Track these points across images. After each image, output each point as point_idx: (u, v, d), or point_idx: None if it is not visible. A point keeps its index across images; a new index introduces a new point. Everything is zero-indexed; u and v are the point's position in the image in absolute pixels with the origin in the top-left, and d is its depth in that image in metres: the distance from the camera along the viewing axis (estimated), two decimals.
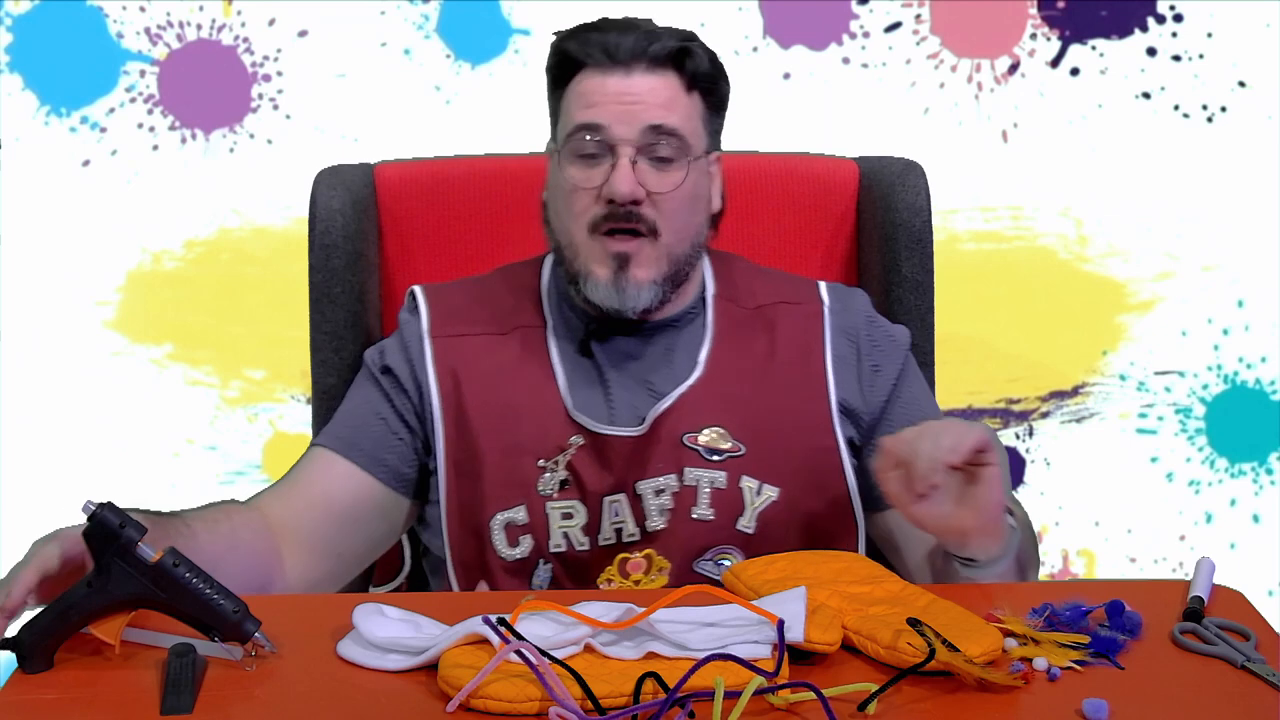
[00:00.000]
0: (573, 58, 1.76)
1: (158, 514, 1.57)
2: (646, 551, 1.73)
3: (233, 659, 1.37)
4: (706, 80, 1.78)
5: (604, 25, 1.77)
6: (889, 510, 1.79)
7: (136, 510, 1.47)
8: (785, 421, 1.77)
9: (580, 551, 1.73)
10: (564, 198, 1.75)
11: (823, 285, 1.86)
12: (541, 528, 1.73)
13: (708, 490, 1.74)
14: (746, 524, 1.74)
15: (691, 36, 1.78)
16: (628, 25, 1.76)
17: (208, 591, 1.38)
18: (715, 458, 1.75)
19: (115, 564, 1.37)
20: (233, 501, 1.74)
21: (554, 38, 1.80)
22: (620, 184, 1.71)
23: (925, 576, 1.73)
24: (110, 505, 1.39)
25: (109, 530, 1.37)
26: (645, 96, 1.73)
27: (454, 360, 1.78)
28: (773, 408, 1.77)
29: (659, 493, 1.74)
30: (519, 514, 1.74)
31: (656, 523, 1.73)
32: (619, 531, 1.74)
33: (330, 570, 1.77)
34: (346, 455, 1.78)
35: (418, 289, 1.85)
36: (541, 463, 1.74)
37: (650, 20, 1.79)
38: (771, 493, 1.75)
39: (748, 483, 1.75)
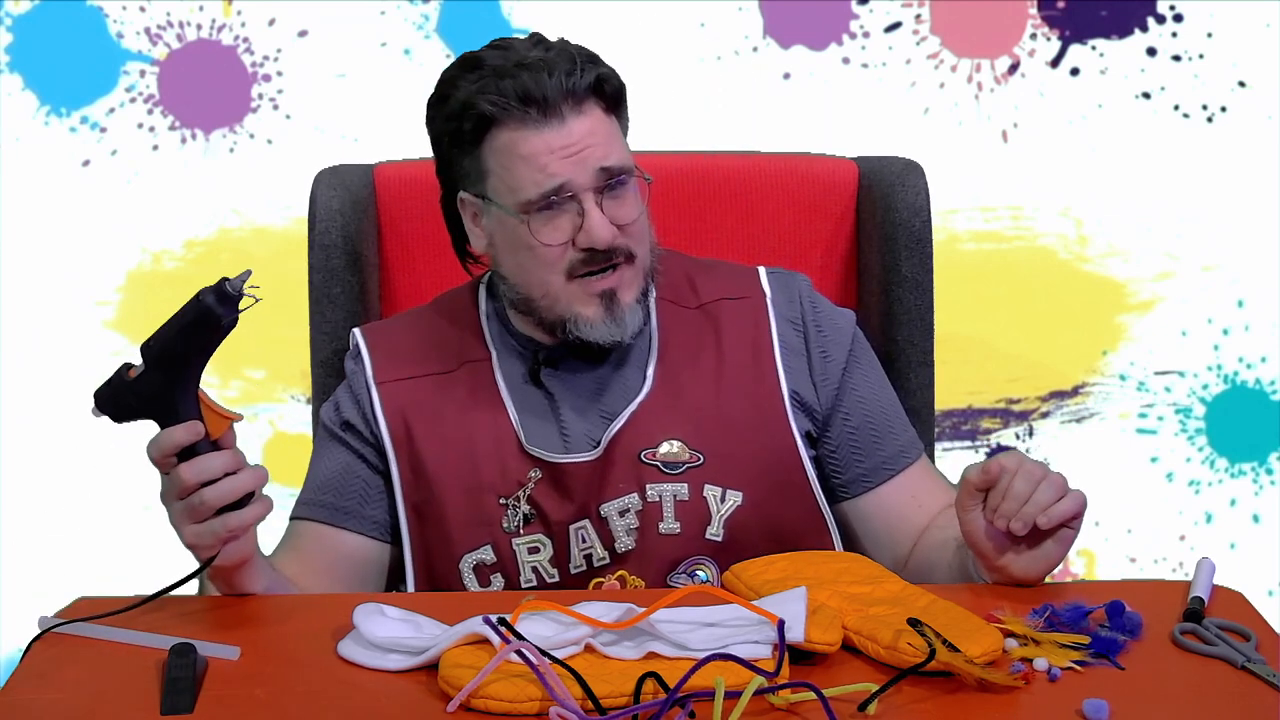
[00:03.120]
0: (490, 117, 1.69)
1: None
2: (619, 573, 1.73)
3: (232, 659, 1.38)
4: (619, 97, 1.74)
5: (508, 70, 1.69)
6: (854, 499, 1.80)
7: None
8: (740, 424, 1.75)
9: (551, 583, 1.72)
10: (530, 254, 1.71)
11: (763, 272, 1.84)
12: (510, 564, 1.72)
13: (671, 504, 1.73)
14: (715, 532, 1.73)
15: (596, 56, 1.72)
16: (535, 63, 1.68)
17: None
18: (674, 470, 1.73)
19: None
20: None
21: (457, 90, 1.72)
22: (599, 232, 1.68)
23: (907, 562, 1.75)
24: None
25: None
26: (585, 139, 1.68)
27: (403, 404, 1.76)
28: (727, 412, 1.76)
29: (623, 513, 1.72)
30: (486, 554, 1.73)
31: (625, 543, 1.72)
32: (589, 558, 1.73)
33: None
34: (335, 523, 1.75)
35: (357, 332, 1.82)
36: (503, 500, 1.73)
37: (556, 47, 1.71)
38: (735, 498, 1.74)
39: (711, 491, 1.73)
